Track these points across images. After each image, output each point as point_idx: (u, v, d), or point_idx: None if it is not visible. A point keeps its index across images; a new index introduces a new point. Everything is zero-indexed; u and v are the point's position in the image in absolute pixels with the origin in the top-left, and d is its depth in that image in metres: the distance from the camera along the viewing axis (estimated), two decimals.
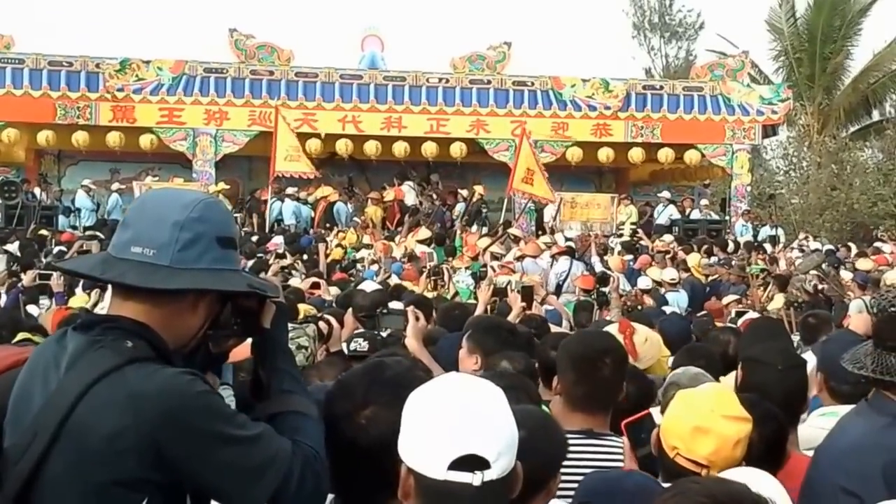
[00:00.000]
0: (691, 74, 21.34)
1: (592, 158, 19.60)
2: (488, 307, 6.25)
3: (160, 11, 69.67)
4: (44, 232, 14.87)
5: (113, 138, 18.41)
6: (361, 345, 4.26)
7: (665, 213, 19.18)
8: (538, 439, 2.09)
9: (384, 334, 4.77)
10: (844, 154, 25.09)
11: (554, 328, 5.90)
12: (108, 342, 1.73)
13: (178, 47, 50.25)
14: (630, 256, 14.18)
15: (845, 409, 2.83)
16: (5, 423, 1.78)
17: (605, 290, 9.95)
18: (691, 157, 19.76)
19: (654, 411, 3.03)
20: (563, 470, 2.25)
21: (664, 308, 9.32)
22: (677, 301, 11.27)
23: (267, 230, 17.03)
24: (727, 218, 19.76)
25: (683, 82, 20.89)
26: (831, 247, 16.79)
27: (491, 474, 1.51)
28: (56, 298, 8.90)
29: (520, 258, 12.83)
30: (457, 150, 19.09)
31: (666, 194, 19.81)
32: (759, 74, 28.53)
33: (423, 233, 15.16)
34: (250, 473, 1.70)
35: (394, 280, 11.08)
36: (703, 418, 2.35)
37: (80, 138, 18.37)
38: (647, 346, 4.10)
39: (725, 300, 10.65)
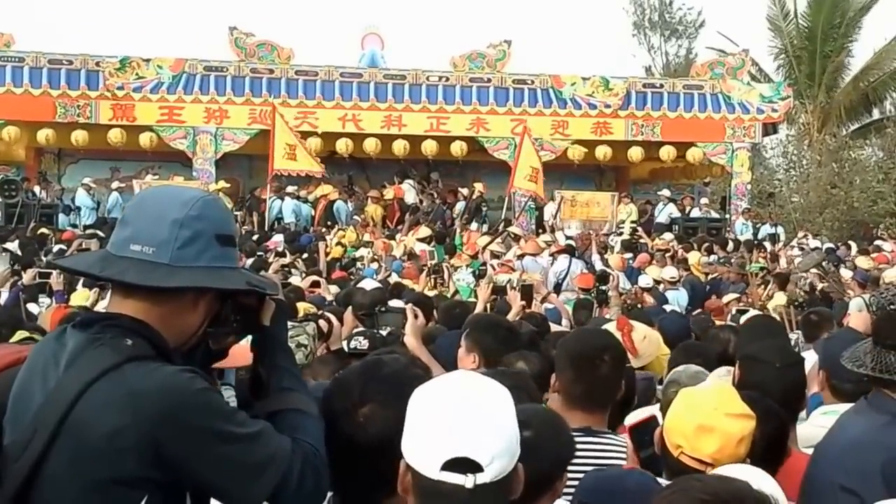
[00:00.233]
0: (691, 72, 21.34)
1: (592, 157, 19.58)
2: (488, 305, 6.24)
3: (160, 10, 69.70)
4: (44, 230, 14.84)
5: (113, 137, 18.37)
6: (361, 343, 4.26)
7: (665, 212, 19.19)
8: (545, 439, 2.09)
9: (384, 332, 4.76)
10: (845, 152, 25.03)
11: (554, 327, 5.91)
12: (108, 340, 1.72)
13: (178, 46, 49.95)
14: (630, 255, 14.17)
15: (847, 407, 2.82)
16: (5, 421, 1.77)
17: (605, 288, 9.96)
18: (691, 155, 19.76)
19: (655, 410, 3.03)
20: None
21: (664, 306, 9.31)
22: (677, 299, 11.26)
23: (267, 228, 17.03)
24: (727, 216, 19.74)
25: (683, 80, 20.87)
26: (831, 245, 16.79)
27: (484, 478, 1.48)
28: (56, 297, 8.89)
29: (520, 256, 12.82)
30: (457, 148, 19.06)
31: (666, 192, 19.78)
32: (760, 72, 28.52)
33: (424, 231, 15.13)
34: (250, 471, 1.70)
35: (394, 278, 11.08)
36: (706, 416, 2.34)
37: (80, 137, 18.35)
38: (646, 343, 4.11)
39: (725, 299, 10.63)
